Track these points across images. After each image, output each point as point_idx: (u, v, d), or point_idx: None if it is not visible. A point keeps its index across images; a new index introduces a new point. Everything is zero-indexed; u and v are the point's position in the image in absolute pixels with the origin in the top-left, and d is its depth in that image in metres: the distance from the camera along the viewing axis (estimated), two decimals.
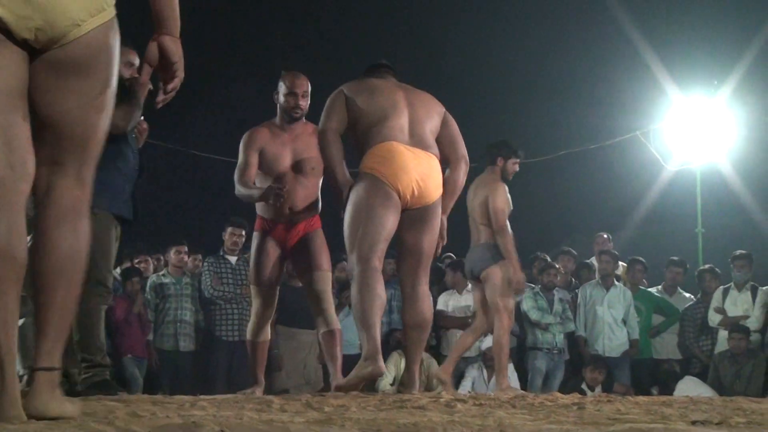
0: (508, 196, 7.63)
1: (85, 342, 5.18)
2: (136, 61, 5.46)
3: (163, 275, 9.31)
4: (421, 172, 4.76)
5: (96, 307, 5.18)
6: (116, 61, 2.58)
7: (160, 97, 2.86)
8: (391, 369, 9.12)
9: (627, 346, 9.85)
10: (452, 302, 9.86)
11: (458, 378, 9.50)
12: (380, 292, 4.58)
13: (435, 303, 9.80)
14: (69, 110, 2.51)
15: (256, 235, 5.99)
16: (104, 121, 2.61)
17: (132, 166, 5.40)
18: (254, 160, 5.84)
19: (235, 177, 5.90)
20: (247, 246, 9.41)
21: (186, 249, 9.39)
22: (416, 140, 4.84)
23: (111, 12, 2.53)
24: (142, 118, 5.54)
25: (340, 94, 5.04)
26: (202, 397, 4.52)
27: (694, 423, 2.61)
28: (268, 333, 6.18)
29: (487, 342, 9.49)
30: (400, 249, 5.01)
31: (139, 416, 2.73)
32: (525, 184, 15.01)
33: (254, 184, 5.85)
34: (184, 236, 9.70)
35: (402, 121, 4.89)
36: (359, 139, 4.92)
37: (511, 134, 14.77)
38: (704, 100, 12.63)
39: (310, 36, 16.29)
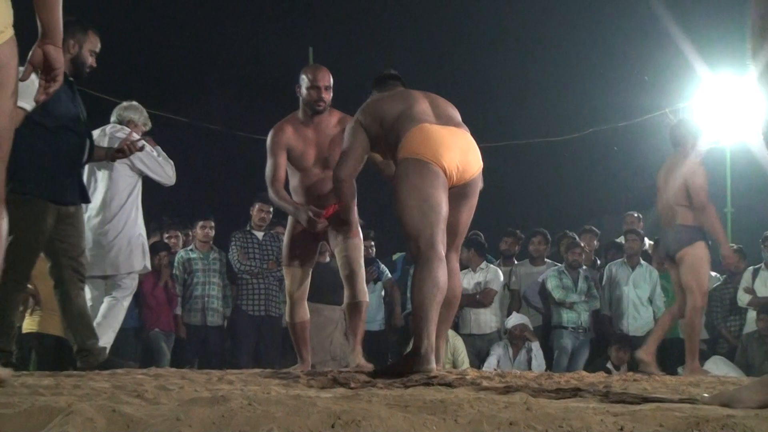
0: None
1: None
2: (98, 47, 5.62)
3: (191, 250, 9.35)
4: (460, 148, 4.67)
5: (9, 292, 5.30)
6: (16, 71, 2.91)
7: (40, 96, 3.18)
8: None
9: (652, 326, 9.81)
10: (466, 280, 9.88)
11: (483, 356, 9.54)
12: (442, 282, 4.44)
13: None
14: None
15: (290, 219, 6.00)
16: (10, 121, 2.93)
17: (76, 151, 5.50)
18: (282, 160, 5.87)
19: (267, 180, 5.94)
20: (273, 222, 9.46)
21: (212, 224, 9.42)
22: (444, 120, 4.77)
23: (10, 32, 2.83)
24: (140, 138, 5.79)
25: (358, 128, 4.96)
26: (229, 371, 4.55)
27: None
28: (305, 313, 6.18)
29: (513, 320, 9.52)
30: None
31: (167, 389, 2.75)
32: (554, 162, 14.96)
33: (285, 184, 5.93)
34: (212, 211, 9.73)
35: (423, 106, 4.83)
36: (388, 139, 4.84)
37: (539, 111, 14.73)
38: (734, 79, 12.51)
39: (335, 13, 16.22)
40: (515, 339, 9.38)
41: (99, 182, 6.79)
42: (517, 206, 14.87)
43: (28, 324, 8.21)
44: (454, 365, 8.93)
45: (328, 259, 9.11)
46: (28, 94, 4.90)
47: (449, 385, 3.42)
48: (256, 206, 9.33)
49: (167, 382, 3.18)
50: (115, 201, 6.76)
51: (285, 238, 6.07)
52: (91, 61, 5.65)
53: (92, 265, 6.68)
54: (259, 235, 9.38)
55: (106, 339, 6.71)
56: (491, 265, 10.07)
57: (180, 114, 12.93)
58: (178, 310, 9.12)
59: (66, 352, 8.35)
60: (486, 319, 9.80)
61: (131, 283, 6.93)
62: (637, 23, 14.86)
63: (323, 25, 15.77)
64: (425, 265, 4.44)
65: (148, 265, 7.13)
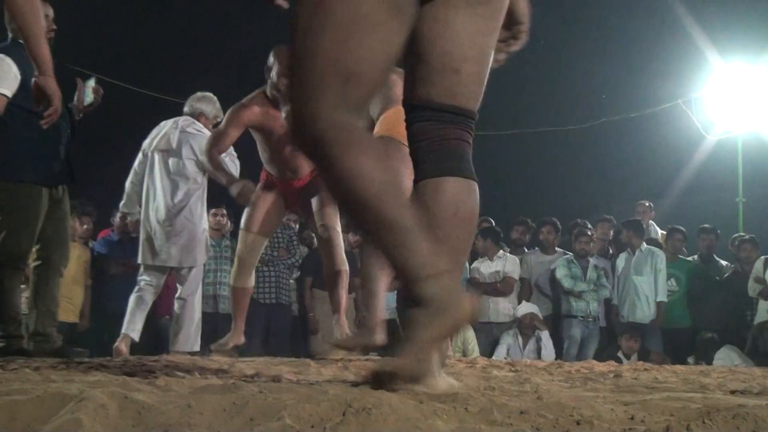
0: None
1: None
2: (50, 13, 5.64)
3: None
4: None
5: (10, 278, 5.33)
6: None
7: (43, 121, 3.80)
8: None
9: (655, 314, 9.80)
10: (483, 269, 9.87)
11: (493, 345, 9.55)
12: None
13: (468, 270, 9.86)
14: None
15: (259, 185, 5.95)
16: None
17: (61, 133, 5.54)
18: (234, 134, 5.87)
19: (207, 143, 6.00)
20: None
21: (224, 212, 9.43)
22: None
23: None
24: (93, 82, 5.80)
25: None
26: (240, 358, 4.57)
27: (732, 392, 2.59)
28: (251, 280, 6.11)
29: (523, 309, 9.52)
30: None
31: (178, 377, 2.76)
32: (566, 152, 14.93)
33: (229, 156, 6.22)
34: (223, 198, 9.72)
35: (401, 90, 4.84)
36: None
37: (552, 101, 14.68)
38: (746, 68, 12.47)
39: None
40: (525, 328, 9.38)
41: (167, 176, 6.90)
42: (528, 195, 14.86)
43: None
44: (464, 354, 8.94)
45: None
46: (8, 80, 4.94)
47: (459, 373, 3.42)
48: None
49: (178, 369, 3.19)
50: (179, 196, 6.87)
51: (251, 203, 5.99)
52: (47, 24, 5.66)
53: (156, 255, 6.83)
54: None
55: (186, 342, 6.91)
56: (508, 254, 10.07)
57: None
58: None
59: (79, 338, 8.43)
60: (503, 308, 9.80)
61: (198, 276, 7.10)
62: (649, 12, 14.82)
63: None
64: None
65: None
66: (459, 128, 2.33)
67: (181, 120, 7.09)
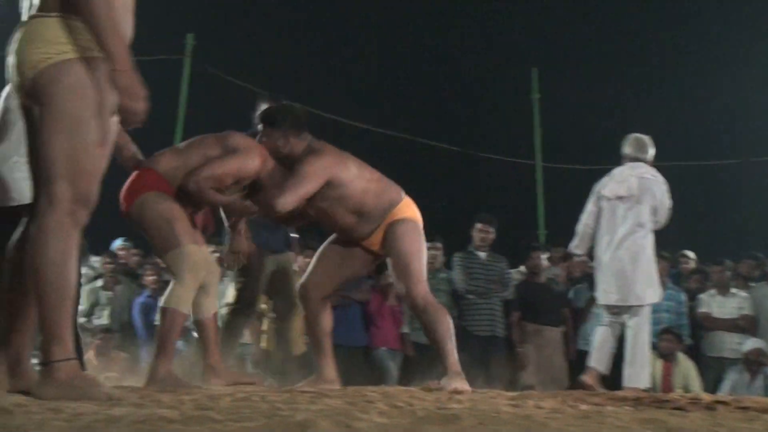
0: None
1: None
2: None
3: None
4: None
5: None
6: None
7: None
8: None
9: None
10: (716, 304, 9.60)
11: (716, 381, 9.21)
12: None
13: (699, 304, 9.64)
14: None
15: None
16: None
17: None
18: None
19: None
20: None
21: (439, 245, 9.46)
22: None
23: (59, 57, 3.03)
24: None
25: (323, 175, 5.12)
26: (455, 392, 4.58)
27: None
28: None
29: (749, 344, 9.14)
30: None
31: (398, 407, 2.79)
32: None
33: None
34: (435, 233, 9.78)
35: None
36: (361, 205, 5.30)
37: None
38: None
39: (565, 33, 16.01)
40: (751, 364, 9.00)
41: (621, 220, 7.50)
42: (753, 227, 14.18)
43: None
44: (686, 390, 8.65)
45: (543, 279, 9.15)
46: None
47: (682, 409, 3.33)
48: (478, 227, 9.33)
49: (397, 399, 3.23)
50: (628, 239, 7.44)
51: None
52: None
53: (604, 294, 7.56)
54: (482, 255, 9.34)
55: (635, 378, 7.26)
56: (741, 291, 9.75)
57: (407, 132, 13.14)
58: (406, 329, 9.20)
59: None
60: (730, 343, 9.48)
61: (644, 314, 7.45)
62: None
63: (550, 45, 15.55)
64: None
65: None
66: None
67: (638, 167, 7.51)
